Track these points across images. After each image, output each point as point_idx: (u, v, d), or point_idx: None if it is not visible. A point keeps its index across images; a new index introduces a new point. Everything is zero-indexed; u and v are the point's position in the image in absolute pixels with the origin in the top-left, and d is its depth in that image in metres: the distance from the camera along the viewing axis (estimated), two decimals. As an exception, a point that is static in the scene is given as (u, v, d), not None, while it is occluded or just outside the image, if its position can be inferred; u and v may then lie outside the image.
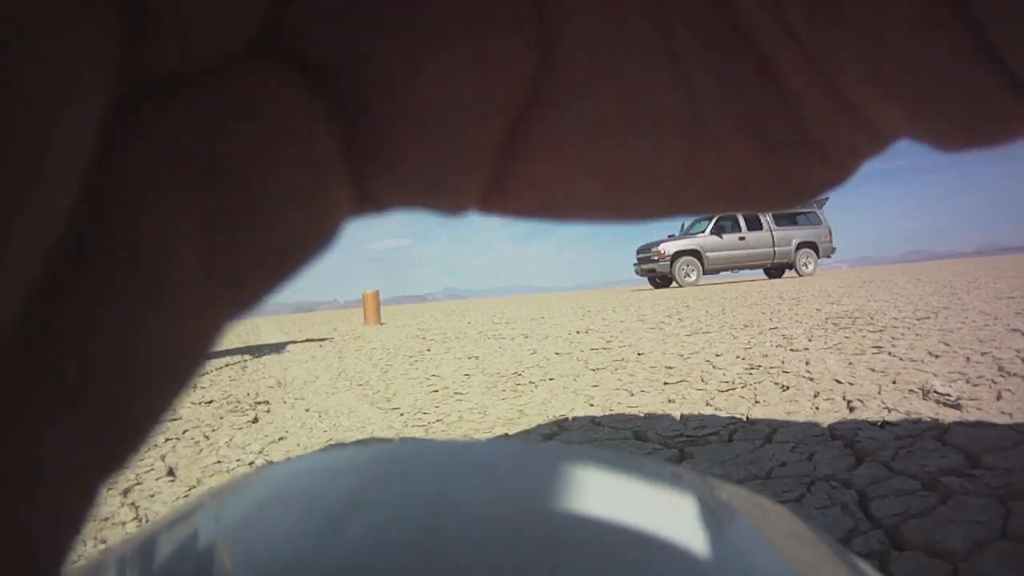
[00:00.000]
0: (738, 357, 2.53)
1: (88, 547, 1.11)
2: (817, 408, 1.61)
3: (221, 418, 2.21)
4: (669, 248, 13.15)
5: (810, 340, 2.81)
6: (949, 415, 1.41)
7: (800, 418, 1.52)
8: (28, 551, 0.07)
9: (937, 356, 2.12)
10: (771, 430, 1.42)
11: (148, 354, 0.08)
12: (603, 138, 0.10)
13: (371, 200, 0.10)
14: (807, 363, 2.22)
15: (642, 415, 1.70)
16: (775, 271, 14.29)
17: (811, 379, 1.95)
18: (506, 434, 1.65)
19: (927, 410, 1.47)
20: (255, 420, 2.14)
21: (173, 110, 0.09)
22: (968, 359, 2.02)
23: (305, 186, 0.09)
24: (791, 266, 13.99)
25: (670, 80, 0.10)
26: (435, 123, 0.09)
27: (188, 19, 0.08)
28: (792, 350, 2.57)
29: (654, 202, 0.11)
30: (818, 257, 14.02)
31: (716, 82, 0.10)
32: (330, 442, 1.77)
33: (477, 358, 3.34)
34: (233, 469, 1.56)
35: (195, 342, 0.09)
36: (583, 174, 0.10)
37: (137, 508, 1.29)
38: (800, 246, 13.78)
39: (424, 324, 7.47)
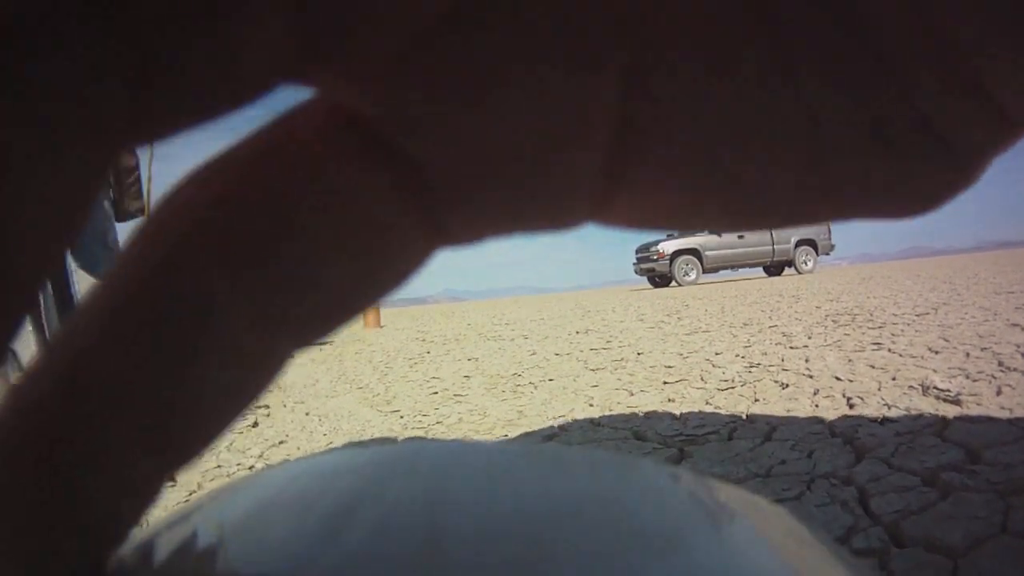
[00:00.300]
0: (737, 356, 2.53)
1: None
2: (817, 405, 1.61)
3: (221, 422, 2.21)
4: (668, 247, 13.15)
5: (809, 338, 2.81)
6: (949, 411, 1.41)
7: (800, 416, 1.52)
8: (111, 518, 0.09)
9: (937, 352, 2.12)
10: (771, 428, 1.42)
11: (206, 390, 0.09)
12: (715, 156, 0.10)
13: (459, 235, 0.10)
14: (807, 360, 2.22)
15: (642, 415, 1.70)
16: (774, 269, 14.31)
17: (811, 376, 1.95)
18: (506, 435, 1.65)
19: (927, 406, 1.47)
20: (255, 424, 2.14)
21: (211, 175, 0.09)
22: (968, 355, 2.02)
23: (366, 244, 0.09)
24: (790, 264, 14.01)
25: (783, 89, 0.09)
26: (508, 164, 0.09)
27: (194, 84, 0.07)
28: (791, 348, 2.57)
29: (777, 212, 0.10)
30: (817, 254, 14.03)
31: (834, 87, 0.09)
32: (330, 445, 1.77)
33: (477, 359, 3.34)
34: (233, 473, 1.56)
35: (252, 378, 0.09)
36: (696, 192, 0.10)
37: (138, 513, 1.29)
38: (799, 244, 13.79)
39: (424, 326, 7.46)
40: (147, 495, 0.09)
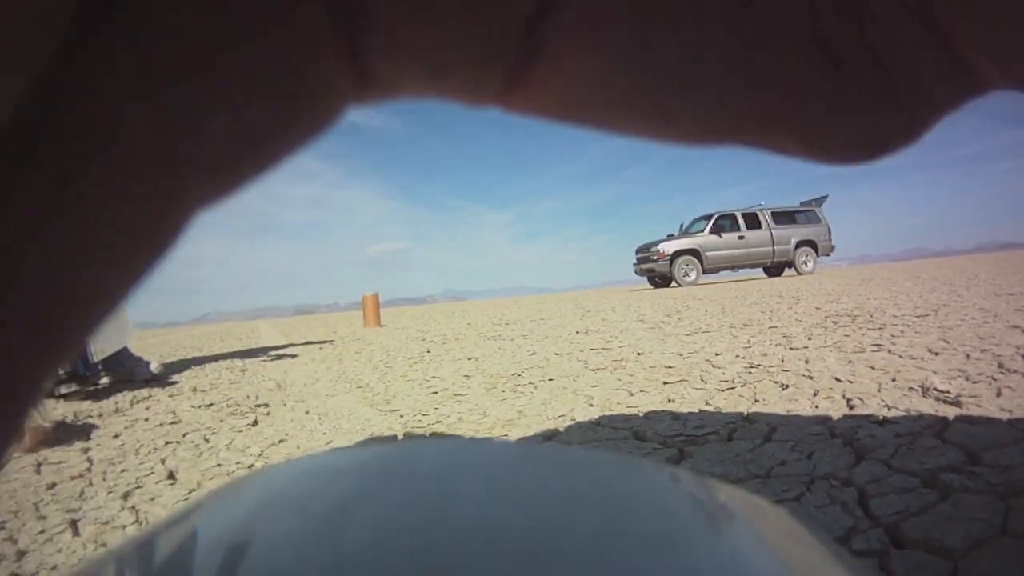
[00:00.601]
0: (737, 356, 2.53)
1: (88, 551, 1.11)
2: (816, 406, 1.61)
3: (221, 421, 2.20)
4: (668, 248, 13.16)
5: (809, 338, 2.81)
6: (949, 412, 1.41)
7: (800, 416, 1.52)
8: None
9: (937, 353, 2.12)
10: (770, 429, 1.42)
11: (99, 235, 0.07)
12: (638, 31, 0.09)
13: (377, 84, 0.09)
14: (807, 361, 2.22)
15: (642, 415, 1.70)
16: (774, 270, 14.31)
17: (811, 377, 1.95)
18: (506, 435, 1.65)
19: (927, 407, 1.47)
20: (255, 423, 2.14)
21: None
22: (968, 356, 2.02)
23: (285, 65, 0.08)
24: (790, 265, 14.01)
25: None
26: (442, 6, 0.09)
27: None
28: (792, 348, 2.57)
29: (701, 111, 0.10)
30: (817, 255, 14.04)
31: None
32: (330, 444, 1.77)
33: (477, 359, 3.34)
34: (233, 472, 1.56)
35: (155, 227, 0.08)
36: (615, 68, 0.09)
37: (137, 512, 1.29)
38: (799, 244, 13.80)
39: (424, 326, 7.46)
40: (25, 401, 0.07)
